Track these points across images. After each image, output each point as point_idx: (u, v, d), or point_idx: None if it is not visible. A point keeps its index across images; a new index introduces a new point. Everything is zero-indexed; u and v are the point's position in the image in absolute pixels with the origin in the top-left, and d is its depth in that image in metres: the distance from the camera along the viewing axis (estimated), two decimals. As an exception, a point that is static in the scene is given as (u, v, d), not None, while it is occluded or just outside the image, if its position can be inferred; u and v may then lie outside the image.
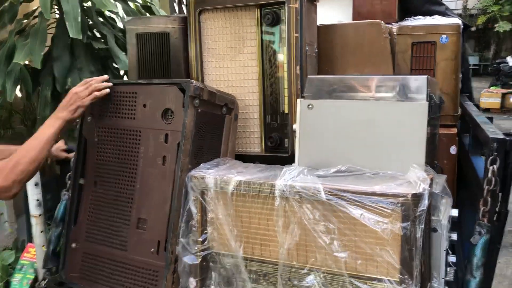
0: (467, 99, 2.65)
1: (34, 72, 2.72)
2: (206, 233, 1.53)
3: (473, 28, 17.16)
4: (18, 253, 3.12)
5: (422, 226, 1.24)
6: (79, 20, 2.41)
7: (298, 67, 1.78)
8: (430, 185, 1.41)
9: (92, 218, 1.73)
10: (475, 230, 1.43)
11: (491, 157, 1.50)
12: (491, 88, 11.19)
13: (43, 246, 2.95)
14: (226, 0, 1.88)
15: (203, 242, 1.53)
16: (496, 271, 4.13)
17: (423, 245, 1.33)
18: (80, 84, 1.66)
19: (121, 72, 3.17)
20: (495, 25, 14.62)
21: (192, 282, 1.53)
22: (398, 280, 1.26)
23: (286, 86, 1.83)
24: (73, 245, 1.75)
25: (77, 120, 1.81)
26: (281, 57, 1.84)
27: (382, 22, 2.05)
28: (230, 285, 1.51)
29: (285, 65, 1.82)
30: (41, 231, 2.91)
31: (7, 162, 1.50)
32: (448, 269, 1.60)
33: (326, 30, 2.11)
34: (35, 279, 2.96)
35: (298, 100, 1.66)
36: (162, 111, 1.60)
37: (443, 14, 2.69)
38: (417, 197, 1.24)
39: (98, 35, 3.07)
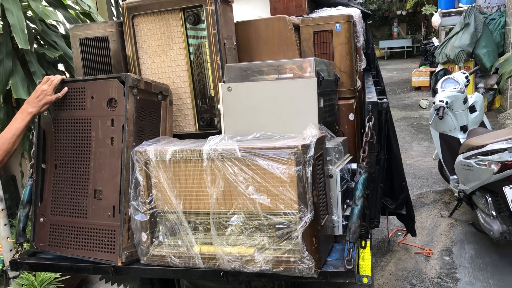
0: (370, 76, 3.13)
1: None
2: (151, 195, 1.90)
3: (400, 12, 18.24)
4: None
5: (311, 168, 1.66)
6: (26, 32, 2.68)
7: (218, 58, 2.17)
8: (322, 141, 1.85)
9: (55, 195, 2.05)
10: (357, 171, 1.88)
11: (368, 116, 1.97)
12: (421, 67, 11.94)
13: (7, 237, 3.20)
14: (154, 6, 2.22)
15: (150, 202, 1.90)
16: (417, 224, 4.72)
17: (320, 186, 1.77)
18: (43, 81, 1.98)
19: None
20: (422, 9, 15.62)
21: (144, 235, 1.90)
22: (297, 210, 1.68)
23: (210, 74, 2.22)
24: (41, 219, 2.06)
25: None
26: (204, 50, 2.22)
27: (287, 16, 2.47)
28: (174, 234, 1.89)
29: (208, 57, 2.20)
30: (5, 224, 3.17)
31: None
32: (345, 206, 2.06)
33: (242, 26, 2.49)
34: (2, 269, 3.21)
35: (220, 85, 2.07)
36: (107, 101, 1.95)
37: (346, 5, 3.16)
38: (306, 147, 1.66)
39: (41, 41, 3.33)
